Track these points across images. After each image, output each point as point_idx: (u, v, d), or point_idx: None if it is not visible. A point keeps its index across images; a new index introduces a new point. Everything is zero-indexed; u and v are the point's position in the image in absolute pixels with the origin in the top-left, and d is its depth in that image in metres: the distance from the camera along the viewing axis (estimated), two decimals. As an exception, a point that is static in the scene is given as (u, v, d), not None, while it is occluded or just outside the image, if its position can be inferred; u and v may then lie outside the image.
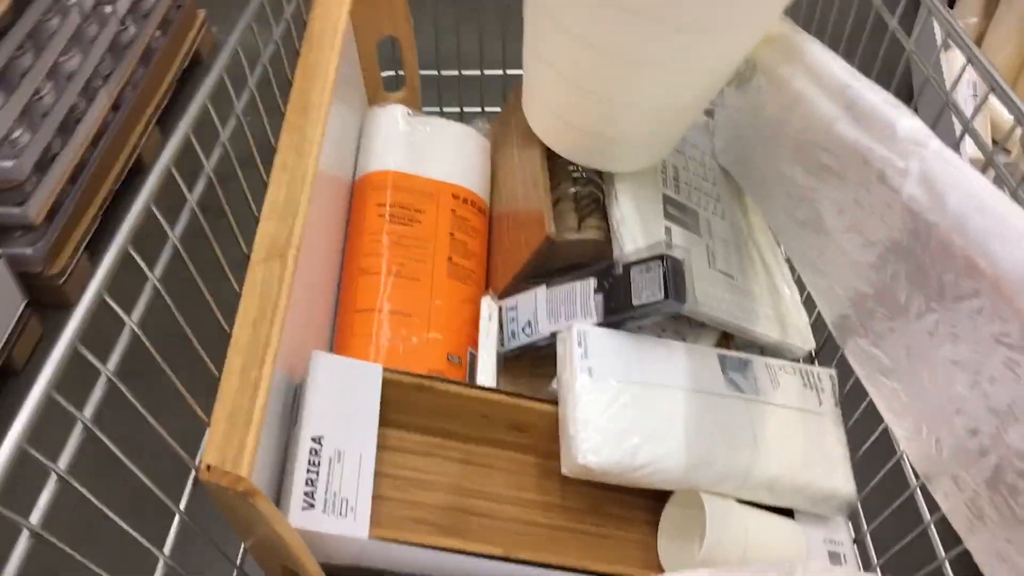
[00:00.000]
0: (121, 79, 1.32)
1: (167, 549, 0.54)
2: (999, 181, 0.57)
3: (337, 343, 0.71)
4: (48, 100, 1.18)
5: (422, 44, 0.88)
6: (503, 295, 0.76)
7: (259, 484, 0.49)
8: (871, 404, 0.68)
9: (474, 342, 0.74)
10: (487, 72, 0.98)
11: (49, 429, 0.45)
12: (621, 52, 0.63)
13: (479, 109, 0.99)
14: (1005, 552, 0.41)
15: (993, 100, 0.56)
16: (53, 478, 0.44)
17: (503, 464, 0.68)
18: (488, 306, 0.75)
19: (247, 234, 0.59)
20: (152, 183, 0.53)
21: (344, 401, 0.60)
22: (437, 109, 0.98)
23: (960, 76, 0.63)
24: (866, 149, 0.51)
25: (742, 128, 0.75)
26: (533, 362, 0.74)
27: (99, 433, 0.48)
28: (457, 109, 0.99)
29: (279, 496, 0.56)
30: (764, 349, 0.76)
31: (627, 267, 0.68)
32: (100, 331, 0.50)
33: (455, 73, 0.98)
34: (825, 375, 0.72)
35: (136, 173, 1.36)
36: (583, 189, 0.77)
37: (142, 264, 0.52)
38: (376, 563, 0.59)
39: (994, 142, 1.21)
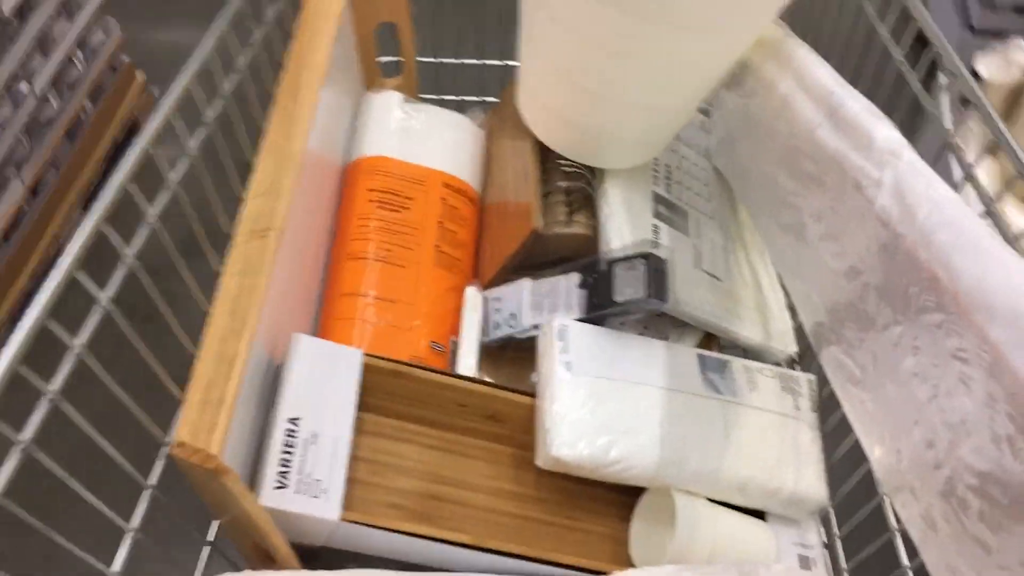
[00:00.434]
0: (39, 162, 1.12)
1: (136, 522, 0.54)
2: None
3: (321, 326, 0.72)
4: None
5: (424, 32, 0.88)
6: (489, 286, 0.77)
7: (233, 462, 0.50)
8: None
9: (457, 331, 0.74)
10: (487, 62, 0.99)
11: (16, 402, 0.46)
12: (615, 48, 0.63)
13: (478, 99, 1.00)
14: (954, 564, 0.42)
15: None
16: (19, 447, 0.45)
17: (479, 453, 0.68)
18: (473, 296, 0.75)
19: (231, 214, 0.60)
20: (131, 160, 0.53)
21: (323, 384, 0.60)
22: (436, 97, 0.99)
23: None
24: (844, 157, 0.51)
25: (735, 130, 0.75)
26: (516, 353, 0.75)
27: (69, 409, 0.49)
28: (454, 97, 1.00)
29: (253, 475, 0.57)
30: (747, 351, 0.76)
31: (611, 264, 0.68)
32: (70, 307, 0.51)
33: (455, 61, 0.98)
34: (804, 380, 0.73)
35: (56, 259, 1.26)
36: (573, 184, 0.78)
37: (117, 240, 0.53)
38: (347, 546, 0.60)
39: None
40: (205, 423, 0.49)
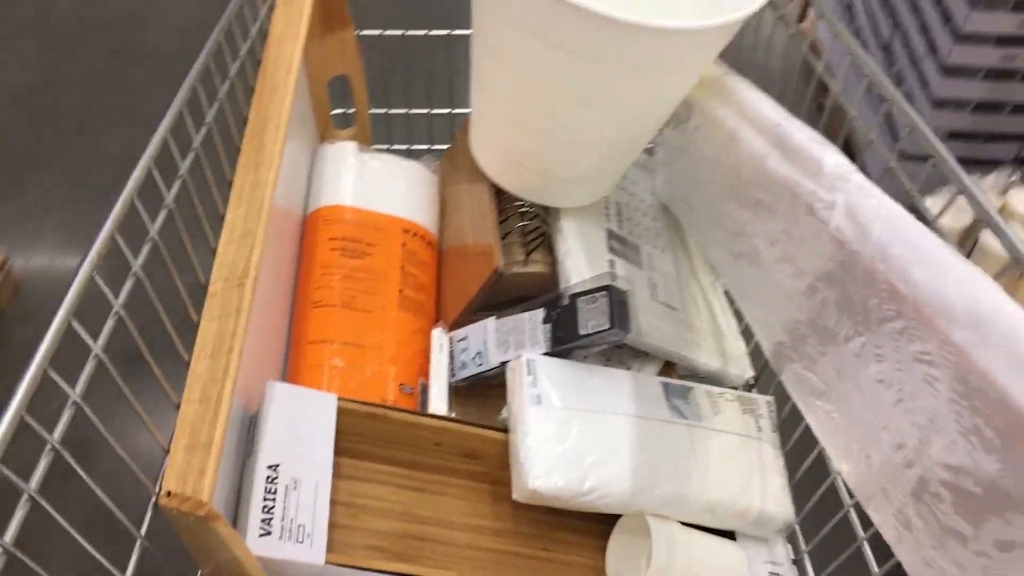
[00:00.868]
0: None
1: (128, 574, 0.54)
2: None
3: (290, 374, 0.73)
4: None
5: (370, 83, 0.90)
6: (453, 327, 0.78)
7: (219, 509, 0.50)
8: (806, 430, 0.71)
9: (425, 372, 0.76)
10: (435, 111, 1.01)
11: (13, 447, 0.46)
12: (564, 91, 0.66)
13: (427, 147, 1.02)
14: (930, 558, 0.44)
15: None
16: (24, 498, 0.45)
17: (455, 491, 0.69)
18: (439, 337, 0.77)
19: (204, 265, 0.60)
20: (117, 211, 0.54)
21: (299, 430, 0.61)
22: (386, 146, 1.01)
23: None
24: (795, 184, 0.54)
25: (680, 166, 0.79)
26: (482, 392, 0.76)
27: (67, 455, 0.48)
28: (405, 146, 1.02)
29: (235, 524, 0.57)
30: (705, 378, 0.79)
31: (573, 298, 0.70)
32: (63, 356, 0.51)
33: (403, 111, 1.01)
34: (763, 402, 0.75)
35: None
36: (530, 224, 0.80)
37: (109, 295, 0.53)
38: (330, 590, 0.60)
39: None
40: (194, 468, 0.49)
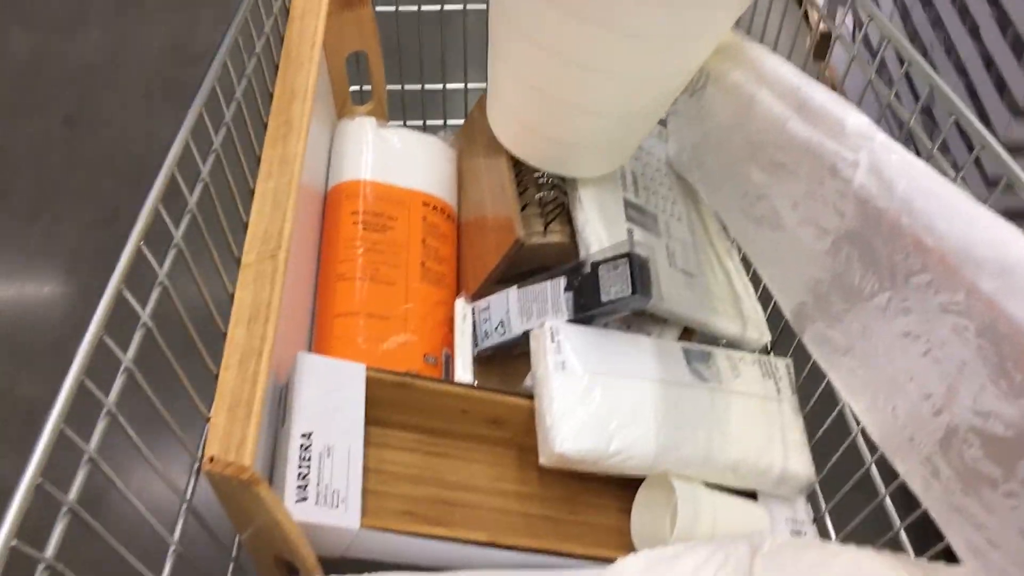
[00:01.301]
0: None
1: (176, 536, 0.55)
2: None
3: (316, 346, 0.74)
4: None
5: (390, 60, 0.91)
6: (474, 298, 0.79)
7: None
8: (825, 391, 0.73)
9: (449, 343, 0.77)
10: (449, 86, 1.02)
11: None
12: (582, 60, 0.66)
13: (441, 122, 1.03)
14: (960, 504, 0.45)
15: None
16: (85, 458, 0.46)
17: (482, 457, 0.70)
18: (462, 308, 0.78)
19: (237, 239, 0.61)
20: (158, 185, 0.55)
21: (330, 399, 0.62)
22: (401, 122, 1.01)
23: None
24: (818, 145, 0.55)
25: (696, 133, 0.79)
26: (504, 361, 0.77)
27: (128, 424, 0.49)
28: (420, 122, 1.03)
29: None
30: (723, 342, 0.80)
31: (595, 265, 0.71)
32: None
33: (418, 87, 1.01)
34: (782, 364, 0.77)
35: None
36: (548, 195, 0.81)
37: (154, 263, 0.54)
38: (365, 554, 0.61)
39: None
40: (235, 436, 0.50)
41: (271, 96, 0.69)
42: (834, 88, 0.64)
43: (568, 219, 0.80)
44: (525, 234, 0.76)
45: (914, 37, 1.17)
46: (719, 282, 0.82)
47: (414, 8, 0.95)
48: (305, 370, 0.62)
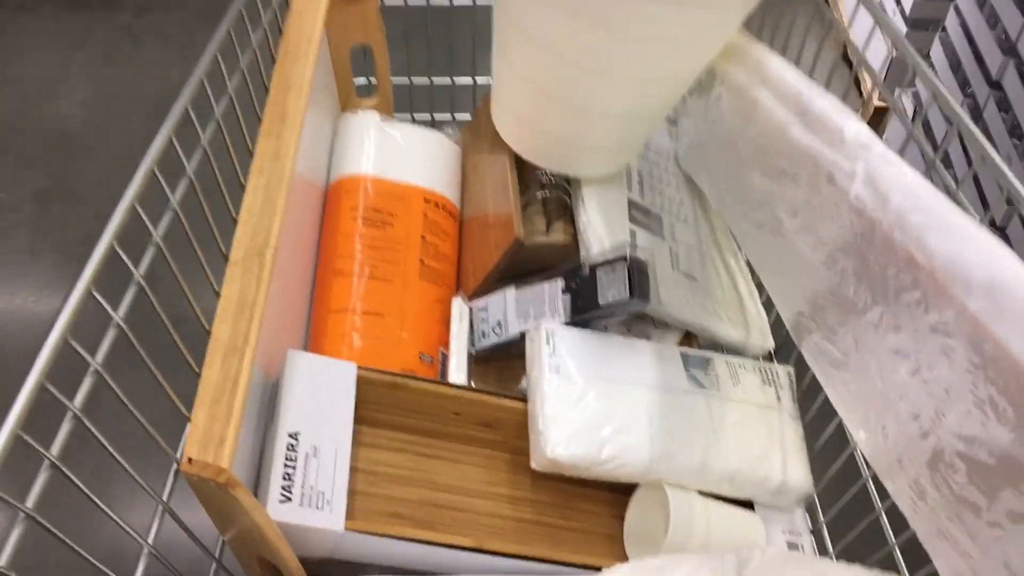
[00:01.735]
0: None
1: (150, 539, 0.55)
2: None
3: (311, 343, 0.73)
4: None
5: (393, 53, 0.90)
6: (473, 296, 0.78)
7: (239, 477, 0.51)
8: (826, 401, 0.71)
9: (445, 342, 0.76)
10: (457, 80, 1.01)
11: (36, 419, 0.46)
12: (585, 60, 0.65)
13: (449, 116, 1.02)
14: (945, 529, 0.44)
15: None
16: (45, 464, 0.46)
17: (474, 460, 0.70)
18: (459, 307, 0.77)
19: (225, 238, 0.61)
20: (137, 183, 0.54)
21: (320, 398, 0.61)
22: (408, 116, 1.01)
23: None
24: (817, 152, 0.54)
25: (703, 135, 0.78)
26: (502, 361, 0.77)
27: (88, 424, 0.49)
28: (428, 116, 1.02)
29: (256, 491, 0.58)
30: (726, 348, 0.78)
31: (593, 268, 0.70)
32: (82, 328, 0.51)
33: (426, 81, 1.00)
34: (783, 372, 0.75)
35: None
36: (550, 194, 0.80)
37: (129, 263, 0.54)
38: (350, 556, 0.61)
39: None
40: (214, 437, 0.50)
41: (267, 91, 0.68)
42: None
43: (571, 219, 0.79)
44: (526, 233, 0.75)
45: (976, 116, 1.10)
46: (723, 286, 0.81)
47: (423, 2, 0.94)
48: (295, 368, 0.62)
